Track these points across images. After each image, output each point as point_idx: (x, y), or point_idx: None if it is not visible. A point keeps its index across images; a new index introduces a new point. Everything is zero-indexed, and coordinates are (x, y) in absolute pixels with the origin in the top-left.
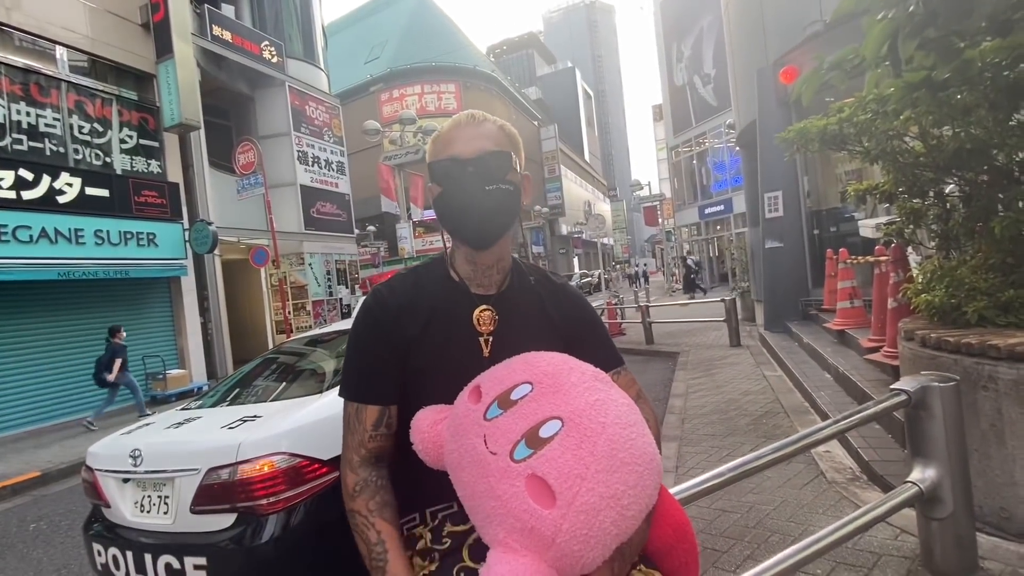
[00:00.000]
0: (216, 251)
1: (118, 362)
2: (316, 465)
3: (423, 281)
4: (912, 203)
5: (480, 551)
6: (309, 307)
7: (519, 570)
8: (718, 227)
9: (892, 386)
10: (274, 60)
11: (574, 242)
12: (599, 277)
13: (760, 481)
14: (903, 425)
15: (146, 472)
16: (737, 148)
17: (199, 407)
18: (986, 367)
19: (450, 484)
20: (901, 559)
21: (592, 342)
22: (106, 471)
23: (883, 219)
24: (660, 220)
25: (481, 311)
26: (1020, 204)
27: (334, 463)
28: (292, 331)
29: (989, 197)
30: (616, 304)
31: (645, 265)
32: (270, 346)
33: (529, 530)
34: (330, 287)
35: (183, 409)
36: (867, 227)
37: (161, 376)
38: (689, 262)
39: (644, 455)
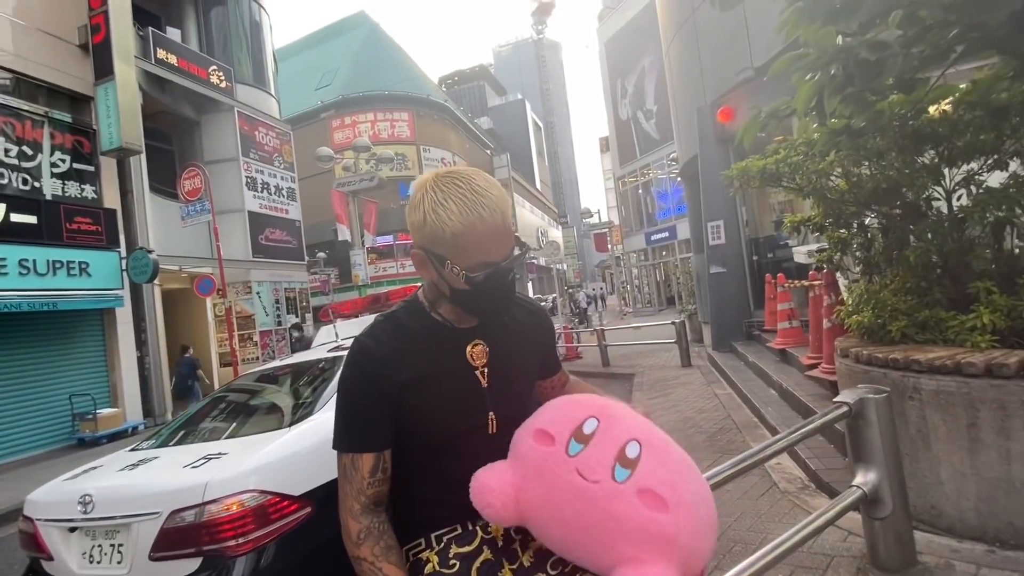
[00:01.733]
0: (156, 280)
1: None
2: (286, 502)
3: (406, 325)
4: (839, 233)
5: (489, 571)
6: (256, 338)
7: None
8: (664, 252)
9: (835, 399)
10: (222, 85)
11: (529, 267)
12: (553, 302)
13: (719, 495)
14: (844, 435)
15: (98, 519)
16: (679, 179)
17: (152, 446)
18: (911, 379)
19: (453, 507)
20: (851, 559)
21: (552, 352)
22: (49, 520)
23: (814, 247)
24: (610, 246)
25: (474, 346)
26: (928, 235)
27: (305, 499)
28: (239, 363)
29: (903, 229)
30: (572, 329)
31: (601, 288)
32: (215, 378)
33: (656, 536)
34: (279, 316)
35: (133, 450)
36: (800, 253)
37: (91, 416)
38: (579, 296)
39: (687, 457)
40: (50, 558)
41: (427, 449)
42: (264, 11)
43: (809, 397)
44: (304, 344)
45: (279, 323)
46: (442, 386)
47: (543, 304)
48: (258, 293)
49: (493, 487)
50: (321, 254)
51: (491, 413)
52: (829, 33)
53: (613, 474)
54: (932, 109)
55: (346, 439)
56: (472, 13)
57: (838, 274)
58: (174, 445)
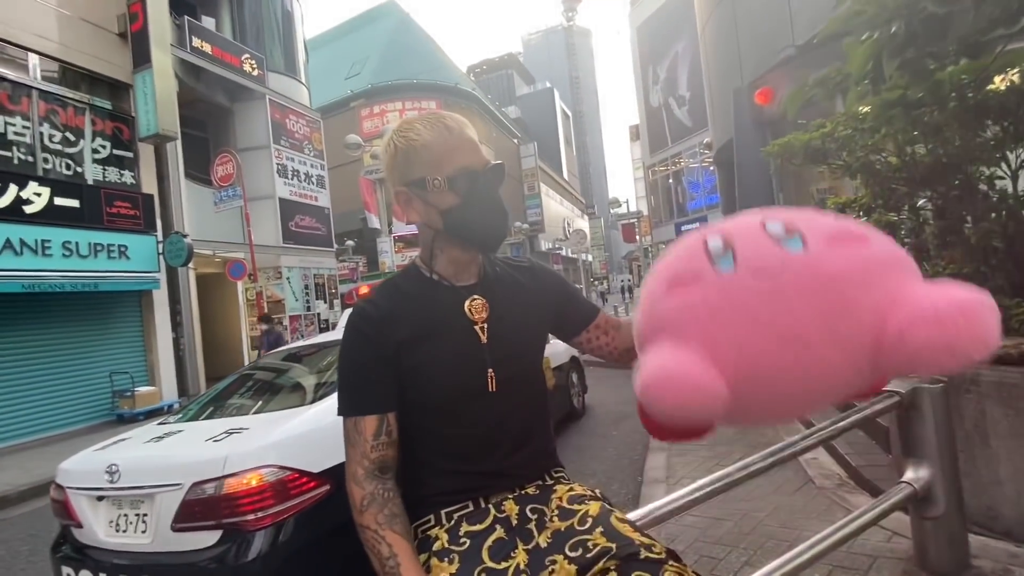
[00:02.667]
0: (191, 264)
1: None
2: (305, 479)
3: (403, 287)
4: (888, 216)
5: (501, 551)
6: (286, 322)
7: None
8: None
9: (885, 388)
10: (255, 73)
11: (554, 258)
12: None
13: (751, 489)
14: (886, 431)
15: (123, 488)
16: (713, 168)
17: (178, 420)
18: (968, 371)
19: (458, 479)
20: (896, 560)
21: (577, 301)
22: (78, 488)
23: None
24: (638, 237)
25: (472, 301)
26: (992, 216)
27: (324, 476)
28: None
29: (959, 210)
30: None
31: (628, 280)
32: (245, 362)
33: (894, 260)
34: (308, 302)
35: (160, 423)
36: None
37: (129, 394)
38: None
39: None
40: (79, 525)
41: (428, 411)
42: (296, 0)
43: None
44: (276, 340)
45: (308, 308)
46: (441, 343)
47: None
48: (288, 278)
49: (696, 374)
50: (350, 242)
51: (490, 370)
52: None
53: (786, 250)
54: (998, 80)
55: (348, 402)
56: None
57: None
58: (199, 420)
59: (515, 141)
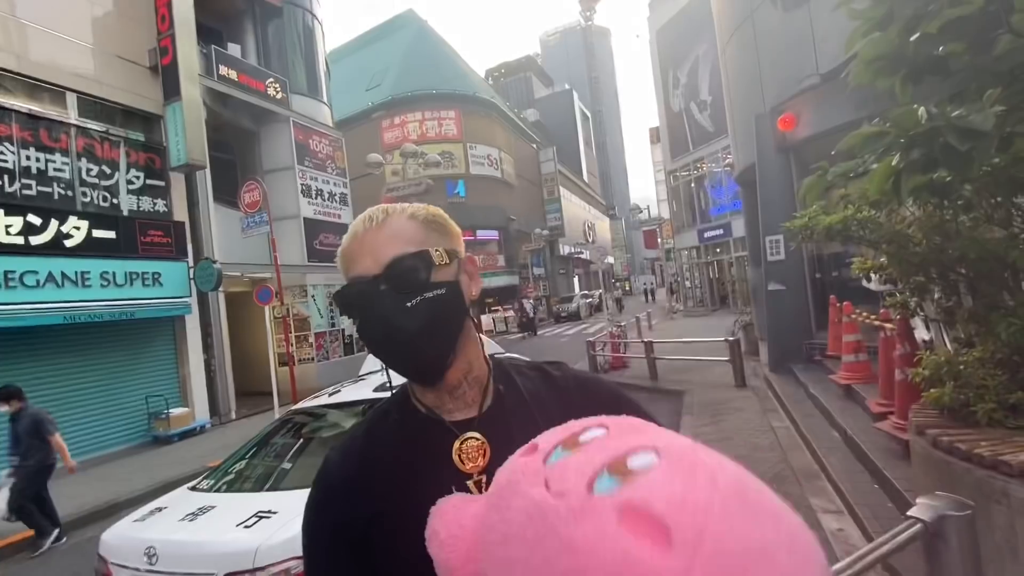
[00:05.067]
0: (220, 287)
1: None
2: None
3: (383, 425)
4: (917, 279)
5: None
6: (312, 339)
7: None
8: (718, 250)
9: (907, 513)
10: (278, 96)
11: (574, 262)
12: (600, 297)
13: None
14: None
15: (161, 572)
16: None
17: (211, 488)
18: (998, 482)
19: None
20: None
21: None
22: (120, 565)
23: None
24: (660, 242)
25: (463, 442)
26: (1023, 311)
27: None
28: (295, 363)
29: (993, 292)
30: (619, 336)
31: (652, 283)
32: (273, 377)
33: None
34: (332, 319)
35: (193, 489)
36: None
37: (164, 416)
38: (527, 305)
39: (791, 519)
40: None
41: None
42: (317, 20)
43: (877, 452)
44: (30, 427)
45: (333, 324)
46: (419, 520)
47: (588, 300)
48: (313, 297)
49: (448, 512)
50: None
51: None
52: (911, 115)
53: (591, 484)
54: None
55: None
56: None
57: (914, 321)
58: (229, 491)
59: (534, 146)
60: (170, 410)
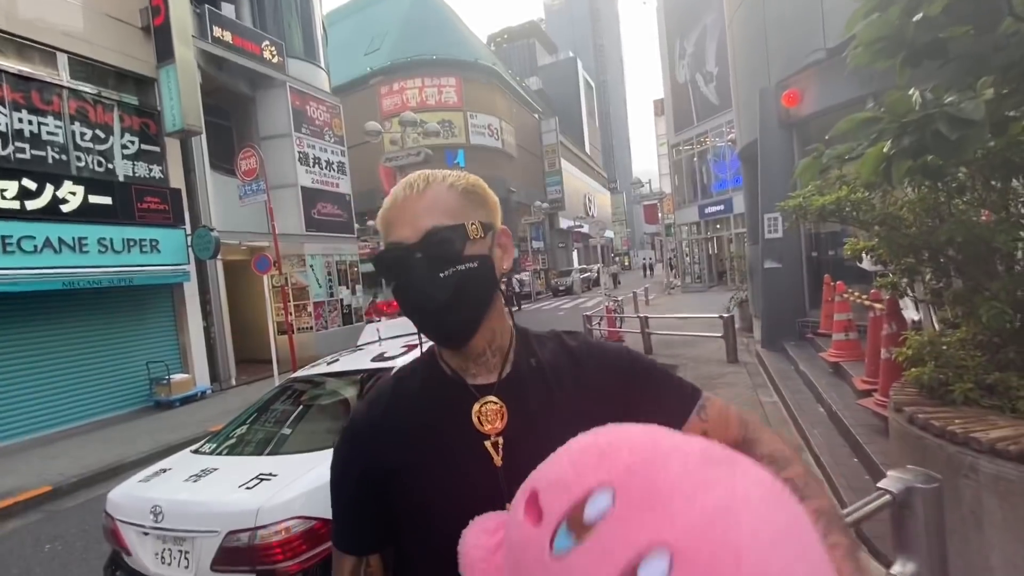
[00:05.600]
0: (218, 255)
1: None
2: (331, 526)
3: (406, 386)
4: (907, 260)
5: None
6: (310, 308)
7: None
8: (718, 226)
9: (878, 485)
10: (274, 60)
11: (574, 236)
12: (597, 272)
13: None
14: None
15: (166, 529)
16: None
17: (213, 451)
18: (968, 457)
19: None
20: None
21: (654, 392)
22: (126, 522)
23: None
24: (660, 217)
25: (483, 405)
26: (1004, 295)
27: None
28: (293, 332)
29: (979, 275)
30: (615, 311)
31: (650, 258)
32: (272, 346)
33: None
34: (331, 288)
35: (195, 452)
36: (865, 259)
37: (165, 381)
38: (514, 280)
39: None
40: (128, 553)
41: (426, 566)
42: None
43: (859, 428)
44: None
45: (331, 294)
46: (439, 473)
47: (586, 275)
48: (311, 266)
49: (478, 568)
50: (371, 222)
51: (508, 504)
52: (905, 99)
53: None
54: None
55: (333, 531)
56: None
57: (905, 299)
58: (231, 455)
59: (536, 116)
60: (171, 376)
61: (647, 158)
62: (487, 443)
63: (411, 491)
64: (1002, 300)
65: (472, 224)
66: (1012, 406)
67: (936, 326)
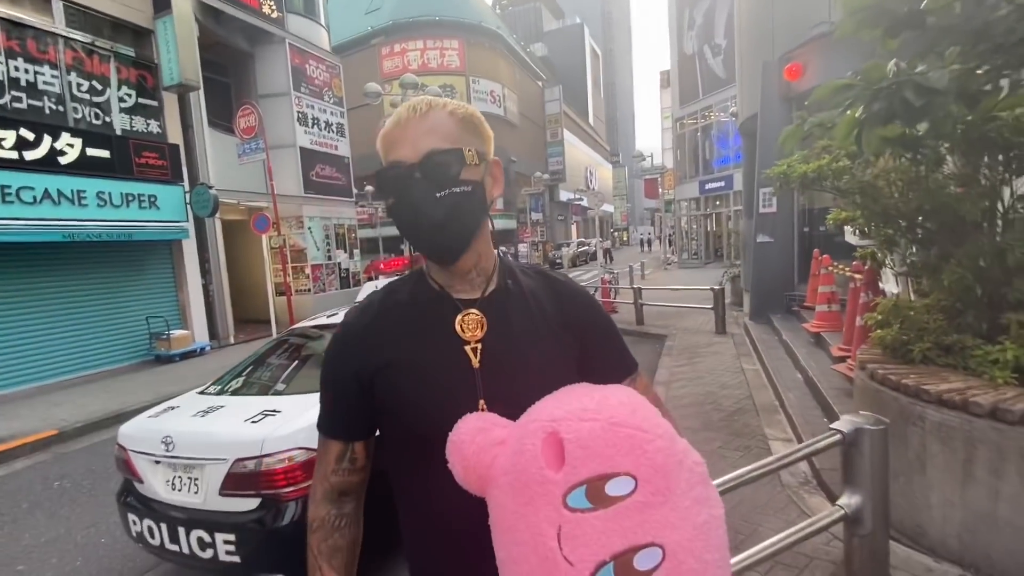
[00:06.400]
0: (217, 213)
1: None
2: None
3: (397, 296)
4: (886, 231)
5: None
6: (308, 271)
7: None
8: (717, 202)
9: (830, 426)
10: (274, 15)
11: (573, 209)
12: (596, 246)
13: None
14: None
15: (178, 457)
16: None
17: (218, 392)
18: (917, 407)
19: (441, 551)
20: (828, 563)
21: (605, 349)
22: (138, 452)
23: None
24: (661, 192)
25: (464, 315)
26: (967, 260)
27: None
28: (292, 293)
29: (947, 244)
30: (611, 282)
31: (649, 233)
32: (270, 306)
33: None
34: (329, 251)
35: (201, 393)
36: (851, 232)
37: (165, 336)
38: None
39: None
40: (140, 481)
41: (408, 451)
42: None
43: (831, 391)
44: None
45: (329, 257)
46: (424, 366)
47: (583, 249)
48: (309, 228)
49: (467, 455)
50: (369, 187)
51: (482, 401)
52: (880, 68)
53: (596, 571)
54: (1004, 114)
55: (321, 419)
56: None
57: (885, 268)
58: (235, 395)
59: (539, 84)
60: (171, 331)
61: (652, 132)
62: (467, 348)
63: (397, 385)
64: (964, 266)
65: (469, 151)
66: (965, 364)
67: (912, 297)
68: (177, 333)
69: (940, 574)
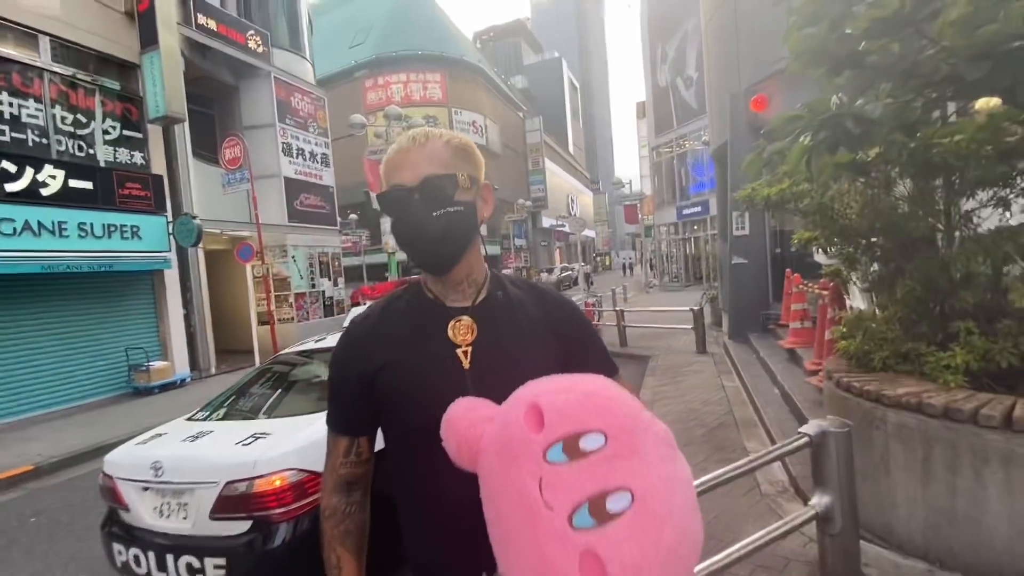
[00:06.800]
0: (200, 243)
1: None
2: (320, 479)
3: (396, 304)
4: (847, 250)
5: None
6: (292, 300)
7: None
8: (695, 227)
9: (798, 430)
10: (259, 50)
11: (556, 235)
12: (578, 271)
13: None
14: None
15: (167, 483)
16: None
17: (206, 419)
18: (879, 411)
19: (480, 552)
20: (805, 564)
21: (588, 352)
22: (126, 479)
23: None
24: (640, 217)
25: (456, 322)
26: (917, 274)
27: None
28: (275, 323)
29: (900, 261)
30: (594, 305)
31: (630, 258)
32: (253, 336)
33: None
34: (313, 280)
35: (189, 419)
36: (817, 251)
37: (144, 368)
38: None
39: (697, 545)
40: (127, 509)
41: (407, 441)
42: None
43: (806, 403)
44: None
45: (313, 286)
46: (417, 368)
47: (568, 272)
48: (293, 257)
49: (459, 429)
50: (353, 216)
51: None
52: (824, 102)
53: (573, 513)
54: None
55: (329, 416)
56: None
57: (850, 284)
58: (224, 420)
59: (520, 115)
60: (151, 363)
61: (630, 160)
62: (458, 351)
63: (394, 383)
64: (915, 279)
65: (462, 175)
66: (921, 370)
67: (877, 312)
68: (157, 364)
69: (908, 569)
